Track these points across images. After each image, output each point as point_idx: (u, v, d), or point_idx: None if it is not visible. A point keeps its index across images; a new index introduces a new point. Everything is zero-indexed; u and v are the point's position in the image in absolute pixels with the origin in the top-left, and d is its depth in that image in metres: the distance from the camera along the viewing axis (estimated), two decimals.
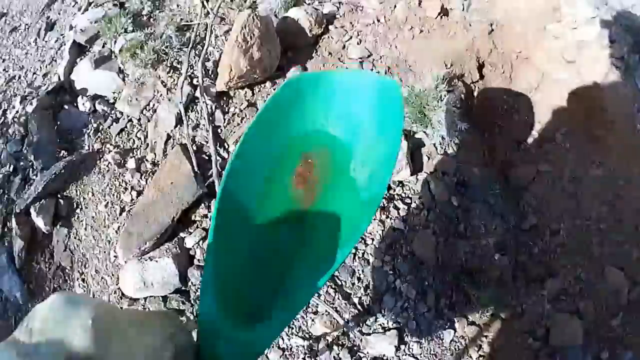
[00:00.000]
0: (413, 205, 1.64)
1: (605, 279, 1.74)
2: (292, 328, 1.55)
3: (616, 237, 1.81)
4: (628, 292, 1.72)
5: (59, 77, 2.22)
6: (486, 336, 1.63)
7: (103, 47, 2.15)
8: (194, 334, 0.46)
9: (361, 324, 1.55)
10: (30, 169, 2.07)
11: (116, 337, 0.34)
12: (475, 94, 1.89)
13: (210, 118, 1.79)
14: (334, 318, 1.54)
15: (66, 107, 2.12)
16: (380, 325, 1.55)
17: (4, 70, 2.58)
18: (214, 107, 1.83)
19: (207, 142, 1.78)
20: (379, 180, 0.56)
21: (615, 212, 1.84)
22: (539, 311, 1.69)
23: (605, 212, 1.84)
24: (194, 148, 1.76)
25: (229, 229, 0.54)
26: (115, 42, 2.09)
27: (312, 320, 1.56)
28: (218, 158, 1.73)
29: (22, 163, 2.12)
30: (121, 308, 0.45)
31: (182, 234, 1.67)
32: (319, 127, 0.63)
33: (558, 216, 1.82)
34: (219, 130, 1.81)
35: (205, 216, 1.67)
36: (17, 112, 2.27)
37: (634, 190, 1.86)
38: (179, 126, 1.84)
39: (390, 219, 1.62)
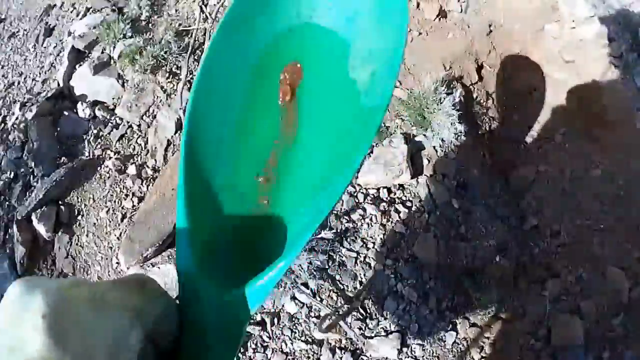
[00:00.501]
0: (414, 208, 1.64)
1: (606, 279, 1.75)
2: (295, 332, 1.56)
3: (617, 237, 1.81)
4: (629, 292, 1.73)
5: (58, 83, 2.22)
6: (488, 337, 1.64)
7: (102, 52, 2.15)
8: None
9: (363, 328, 1.55)
10: (31, 176, 2.08)
11: (73, 330, 0.29)
12: (474, 95, 1.90)
13: None
14: (336, 322, 1.55)
15: (66, 113, 2.13)
16: (383, 328, 1.56)
17: (2, 76, 2.58)
18: None
19: None
20: (384, 81, 0.44)
21: (615, 212, 1.85)
22: (541, 312, 1.69)
23: (606, 212, 1.85)
24: None
25: (200, 168, 0.46)
26: (114, 47, 2.10)
27: (315, 324, 1.56)
28: None
29: (22, 170, 2.13)
30: (79, 286, 0.35)
31: None
32: (304, 19, 0.51)
33: (558, 217, 1.82)
34: None
35: None
36: (16, 118, 2.28)
37: (634, 190, 1.87)
38: (179, 132, 1.84)
39: (391, 222, 1.62)
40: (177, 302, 0.39)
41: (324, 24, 0.51)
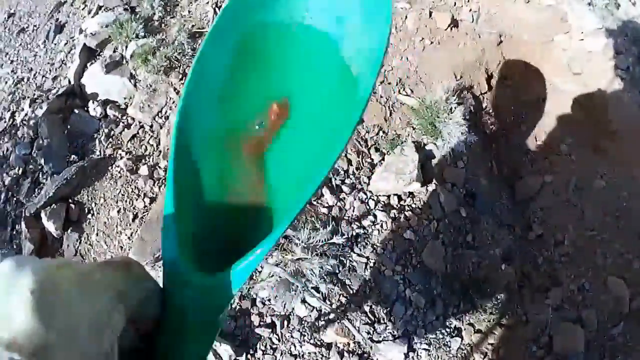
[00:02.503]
0: (423, 216, 1.67)
1: (608, 289, 1.79)
2: (305, 335, 1.58)
3: (619, 247, 1.85)
4: (630, 302, 1.77)
5: (69, 80, 2.23)
6: (492, 344, 1.67)
7: (114, 51, 2.15)
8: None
9: (371, 332, 1.58)
10: (40, 173, 2.09)
11: (58, 307, 0.30)
12: (484, 105, 1.92)
13: None
14: (345, 326, 1.57)
15: (76, 111, 2.13)
16: (390, 333, 1.58)
17: (12, 71, 2.58)
18: None
19: None
20: (367, 77, 0.47)
21: (618, 223, 1.88)
22: (543, 320, 1.73)
23: (609, 222, 1.88)
24: None
25: (190, 159, 0.46)
26: (126, 47, 2.10)
27: (324, 327, 1.59)
28: None
29: (31, 166, 2.13)
30: (67, 266, 0.34)
31: None
32: (297, 20, 0.53)
33: (562, 227, 1.85)
34: None
35: None
36: (26, 114, 2.28)
37: (637, 201, 1.90)
38: None
39: (401, 229, 1.65)
40: (161, 287, 0.40)
41: (316, 25, 0.53)
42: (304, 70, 0.53)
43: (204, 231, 0.45)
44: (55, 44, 2.50)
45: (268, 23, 0.53)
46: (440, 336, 1.63)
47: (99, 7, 2.36)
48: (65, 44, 2.42)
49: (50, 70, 2.40)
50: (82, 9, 2.46)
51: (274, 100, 0.52)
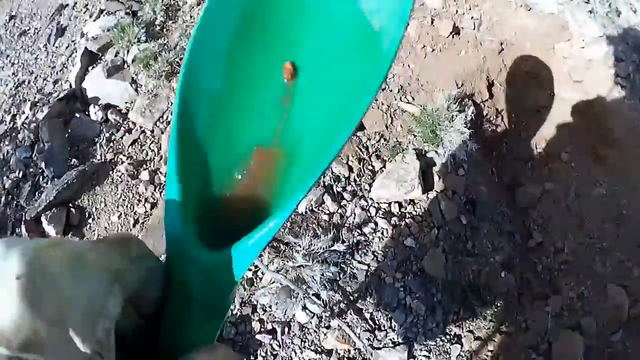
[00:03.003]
0: (424, 223, 1.68)
1: (607, 296, 1.80)
2: (305, 342, 1.58)
3: (618, 255, 1.86)
4: (629, 309, 1.78)
5: (70, 84, 2.23)
6: (491, 351, 1.68)
7: (116, 56, 2.16)
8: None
9: (372, 339, 1.59)
10: (41, 176, 2.08)
11: (48, 293, 0.25)
12: (485, 112, 1.93)
13: None
14: (346, 333, 1.58)
15: (77, 115, 2.13)
16: (391, 340, 1.59)
17: (13, 74, 2.58)
18: None
19: None
20: (394, 29, 0.41)
21: (617, 230, 1.89)
22: (543, 327, 1.74)
23: (608, 230, 1.89)
24: None
25: (193, 127, 0.42)
26: (128, 51, 2.11)
27: (325, 334, 1.59)
28: None
29: (31, 170, 2.13)
30: (60, 245, 0.29)
31: None
32: None
33: (562, 234, 1.86)
34: None
35: None
36: (27, 117, 2.28)
37: (636, 209, 1.91)
38: None
39: (402, 236, 1.65)
40: (164, 263, 0.36)
41: None
42: (315, 24, 0.48)
43: (210, 203, 0.41)
44: (56, 47, 2.50)
45: None
46: (440, 343, 1.64)
47: (101, 11, 2.36)
48: (67, 47, 2.42)
49: (51, 74, 2.40)
50: (84, 13, 2.47)
51: (286, 59, 0.46)
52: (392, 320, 1.62)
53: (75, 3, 2.57)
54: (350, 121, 0.38)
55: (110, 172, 1.94)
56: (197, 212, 0.38)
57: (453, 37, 1.93)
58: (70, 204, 1.96)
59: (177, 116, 0.41)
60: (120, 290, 0.30)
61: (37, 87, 2.41)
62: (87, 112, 2.13)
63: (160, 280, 0.35)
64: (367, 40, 0.44)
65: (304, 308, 1.61)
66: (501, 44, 1.96)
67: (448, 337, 1.65)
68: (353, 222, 1.65)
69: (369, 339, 1.58)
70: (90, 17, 2.39)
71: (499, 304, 1.73)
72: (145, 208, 1.82)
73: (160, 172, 1.88)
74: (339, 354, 1.57)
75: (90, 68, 2.20)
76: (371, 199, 1.70)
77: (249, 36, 0.47)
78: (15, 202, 2.09)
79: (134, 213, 1.84)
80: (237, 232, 0.37)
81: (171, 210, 0.36)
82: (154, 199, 1.83)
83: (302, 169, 0.42)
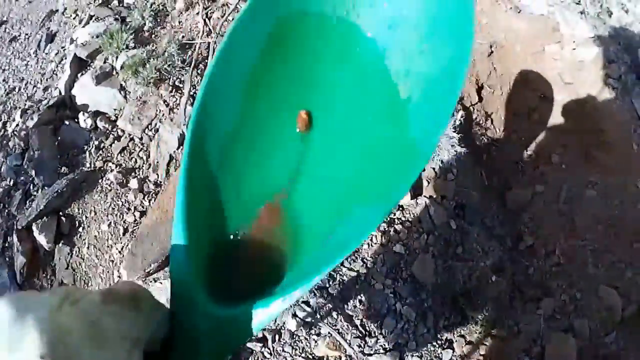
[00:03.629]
0: (413, 229, 1.67)
1: (600, 298, 1.79)
2: (296, 349, 1.58)
3: (610, 256, 1.85)
4: (622, 310, 1.77)
5: (59, 91, 2.22)
6: (483, 355, 1.67)
7: (104, 62, 2.15)
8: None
9: (363, 345, 1.58)
10: (31, 184, 2.08)
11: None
12: (474, 116, 1.92)
13: None
14: (336, 340, 1.58)
15: (67, 122, 2.13)
16: (382, 346, 1.59)
17: (3, 80, 2.57)
18: None
19: None
20: (431, 121, 0.35)
21: (610, 232, 1.88)
22: (535, 330, 1.73)
23: (600, 232, 1.89)
24: None
25: (206, 158, 0.41)
26: (116, 58, 2.10)
27: (315, 341, 1.59)
28: None
29: (22, 178, 2.12)
30: (70, 306, 0.30)
31: None
32: (340, 14, 0.43)
33: (554, 237, 1.86)
34: None
35: None
36: (17, 125, 2.27)
37: (628, 210, 1.90)
38: (182, 147, 1.85)
39: (391, 242, 1.65)
40: (169, 309, 0.37)
41: (361, 25, 0.42)
42: (339, 76, 0.45)
43: (218, 253, 0.40)
44: (46, 54, 2.49)
45: (308, 12, 0.45)
46: (432, 348, 1.63)
47: (90, 17, 2.35)
48: (56, 53, 2.41)
49: (41, 80, 2.39)
50: (74, 18, 2.45)
51: (302, 107, 0.44)
52: (383, 327, 1.61)
53: (65, 9, 2.56)
54: (377, 212, 0.34)
55: (100, 180, 1.93)
56: (205, 261, 0.38)
57: None
58: (61, 213, 1.95)
59: (187, 161, 0.40)
60: (139, 353, 0.32)
61: (27, 94, 2.40)
62: (76, 120, 2.12)
63: (166, 325, 0.36)
64: (393, 109, 0.40)
65: (294, 315, 1.61)
66: (491, 46, 1.95)
67: (439, 342, 1.65)
68: None
69: (359, 346, 1.58)
70: (80, 23, 2.38)
71: (490, 308, 1.72)
72: (135, 217, 1.82)
73: (149, 180, 1.87)
74: None
75: (79, 75, 2.19)
76: None
77: (267, 77, 0.45)
78: (6, 210, 2.09)
79: (124, 222, 1.83)
80: (248, 278, 0.38)
81: (179, 261, 0.36)
82: (143, 207, 1.83)
83: (311, 239, 0.40)
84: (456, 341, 1.66)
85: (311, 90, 0.44)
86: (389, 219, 1.68)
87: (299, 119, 0.43)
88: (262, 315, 0.34)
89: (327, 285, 1.62)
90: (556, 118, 1.99)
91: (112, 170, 1.93)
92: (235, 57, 0.41)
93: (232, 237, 0.41)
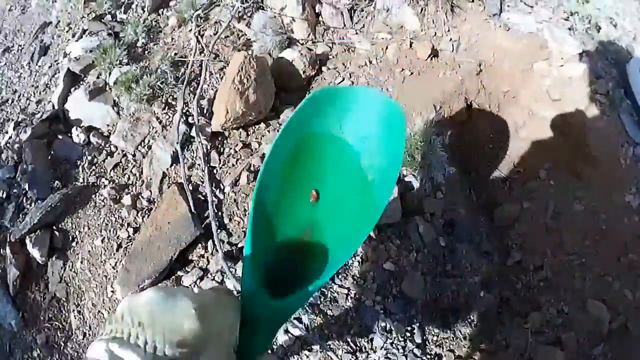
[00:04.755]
0: (403, 246, 1.70)
1: (587, 311, 1.82)
2: None
3: (598, 270, 1.88)
4: (609, 323, 1.80)
5: (53, 105, 2.22)
6: None
7: (98, 77, 2.15)
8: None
9: None
10: (24, 198, 2.08)
11: (209, 319, 0.47)
12: (463, 134, 1.95)
13: (206, 158, 1.82)
14: (328, 355, 1.60)
15: (60, 137, 2.13)
16: None
17: None
18: (209, 147, 1.86)
19: (202, 182, 1.81)
20: (384, 187, 0.69)
21: (597, 246, 1.91)
22: (523, 344, 1.76)
23: (588, 246, 1.92)
24: (190, 188, 1.80)
25: (262, 217, 0.68)
26: (109, 73, 2.11)
27: (307, 357, 1.61)
28: (214, 199, 1.76)
29: (15, 190, 2.13)
30: (203, 292, 0.68)
31: (179, 273, 1.71)
32: (335, 133, 0.77)
33: (541, 252, 1.89)
34: (215, 171, 1.84)
35: (202, 256, 1.71)
36: (10, 137, 2.27)
37: (615, 224, 1.93)
38: (174, 165, 1.87)
39: (381, 260, 1.67)
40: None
41: (346, 139, 0.77)
42: (334, 169, 0.77)
43: (271, 265, 0.67)
44: (39, 66, 2.49)
45: (315, 132, 0.76)
46: None
47: (84, 31, 2.35)
48: (50, 66, 2.41)
49: (34, 93, 2.40)
50: (67, 32, 2.46)
51: (313, 187, 0.76)
52: (373, 342, 1.64)
53: (59, 21, 2.56)
54: (354, 242, 0.66)
55: (93, 196, 1.95)
56: (263, 270, 0.63)
57: (432, 59, 1.94)
58: (54, 227, 1.96)
59: (253, 216, 0.64)
60: (238, 318, 0.55)
61: (20, 107, 2.40)
62: (69, 134, 2.13)
63: (239, 313, 0.58)
64: (364, 186, 0.71)
65: (286, 331, 1.63)
66: (479, 65, 1.98)
67: (429, 356, 1.67)
68: None
69: None
70: (73, 36, 2.39)
71: (478, 323, 1.75)
72: (128, 233, 1.83)
73: (142, 197, 1.88)
74: None
75: (72, 89, 2.20)
76: None
77: (293, 171, 0.74)
78: None
79: (117, 237, 1.84)
80: (290, 282, 0.64)
81: (247, 274, 0.60)
82: (136, 223, 1.84)
83: (323, 260, 0.67)
84: (445, 356, 1.69)
85: (317, 178, 0.77)
86: (379, 237, 1.71)
87: (312, 194, 0.76)
88: (299, 303, 0.63)
89: (319, 302, 1.65)
90: (544, 134, 2.01)
91: (105, 186, 1.94)
92: (275, 158, 0.72)
93: (278, 257, 0.70)
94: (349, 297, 1.65)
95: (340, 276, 1.67)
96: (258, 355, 0.57)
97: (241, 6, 2.15)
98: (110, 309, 1.79)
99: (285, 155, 0.74)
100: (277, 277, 0.66)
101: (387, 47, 1.94)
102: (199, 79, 2.00)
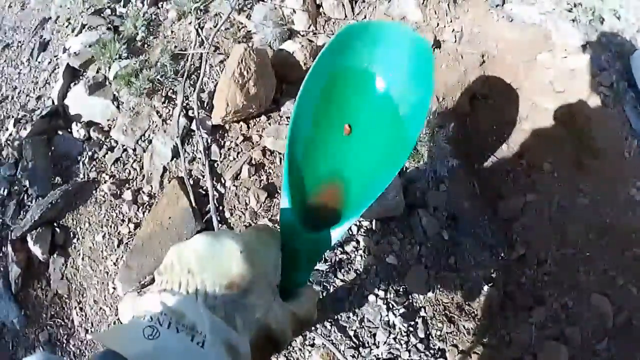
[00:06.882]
0: (405, 240, 1.68)
1: (591, 306, 1.80)
2: (290, 359, 1.60)
3: (602, 264, 1.86)
4: (614, 318, 1.78)
5: (52, 101, 2.21)
6: None
7: (97, 72, 2.14)
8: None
9: (356, 356, 1.60)
10: (25, 195, 2.08)
11: (255, 259, 0.47)
12: (466, 126, 1.93)
13: (207, 152, 1.81)
14: (330, 350, 1.59)
15: (60, 132, 2.12)
16: (375, 356, 1.60)
17: None
18: (210, 141, 1.85)
19: (203, 176, 1.80)
20: (417, 118, 0.69)
21: (601, 240, 1.90)
22: (527, 339, 1.75)
23: (592, 239, 1.90)
24: (191, 182, 1.78)
25: (296, 157, 0.68)
26: (109, 68, 2.09)
27: (310, 352, 1.60)
28: (215, 193, 1.75)
29: (16, 187, 2.12)
30: (240, 234, 0.57)
31: None
32: (365, 66, 0.76)
33: (545, 245, 1.87)
34: (215, 165, 1.82)
35: None
36: (10, 134, 2.27)
37: (620, 218, 1.91)
38: (175, 159, 1.85)
39: (384, 254, 1.66)
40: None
41: (376, 72, 0.77)
42: (365, 103, 0.76)
43: (307, 206, 0.68)
44: (39, 62, 2.48)
45: (346, 66, 0.76)
46: (425, 358, 1.64)
47: (83, 26, 2.34)
48: (49, 62, 2.40)
49: (34, 89, 2.39)
50: (66, 27, 2.44)
51: (345, 122, 0.76)
52: (376, 337, 1.63)
53: (58, 17, 2.55)
54: (387, 174, 0.66)
55: (94, 192, 1.94)
56: (299, 208, 0.64)
57: (434, 51, 1.92)
58: (55, 224, 1.96)
59: (288, 151, 0.66)
60: (281, 255, 0.54)
61: (20, 103, 2.39)
62: (69, 130, 2.12)
63: (280, 246, 0.57)
64: (395, 119, 0.72)
65: None
66: (482, 56, 1.95)
67: (432, 351, 1.66)
68: None
69: (353, 356, 1.59)
70: (73, 31, 2.37)
71: (482, 317, 1.74)
72: (129, 228, 1.82)
73: (143, 192, 1.87)
74: None
75: (72, 84, 2.19)
76: None
77: (326, 106, 0.75)
78: (0, 220, 2.09)
79: (118, 233, 1.84)
80: (323, 219, 0.66)
81: (285, 209, 0.61)
82: (137, 219, 1.83)
83: (355, 197, 0.68)
84: (449, 351, 1.67)
85: (350, 113, 0.76)
86: (382, 230, 1.69)
87: (345, 128, 0.75)
88: (334, 235, 0.59)
89: (321, 297, 1.64)
90: (547, 127, 1.99)
91: (105, 182, 1.93)
92: (308, 94, 0.72)
93: (312, 196, 0.69)
94: (351, 291, 1.64)
95: (342, 270, 1.66)
96: (300, 289, 0.58)
97: None
98: (111, 306, 1.78)
99: (318, 90, 0.74)
100: (308, 216, 0.67)
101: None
102: (199, 72, 1.99)
